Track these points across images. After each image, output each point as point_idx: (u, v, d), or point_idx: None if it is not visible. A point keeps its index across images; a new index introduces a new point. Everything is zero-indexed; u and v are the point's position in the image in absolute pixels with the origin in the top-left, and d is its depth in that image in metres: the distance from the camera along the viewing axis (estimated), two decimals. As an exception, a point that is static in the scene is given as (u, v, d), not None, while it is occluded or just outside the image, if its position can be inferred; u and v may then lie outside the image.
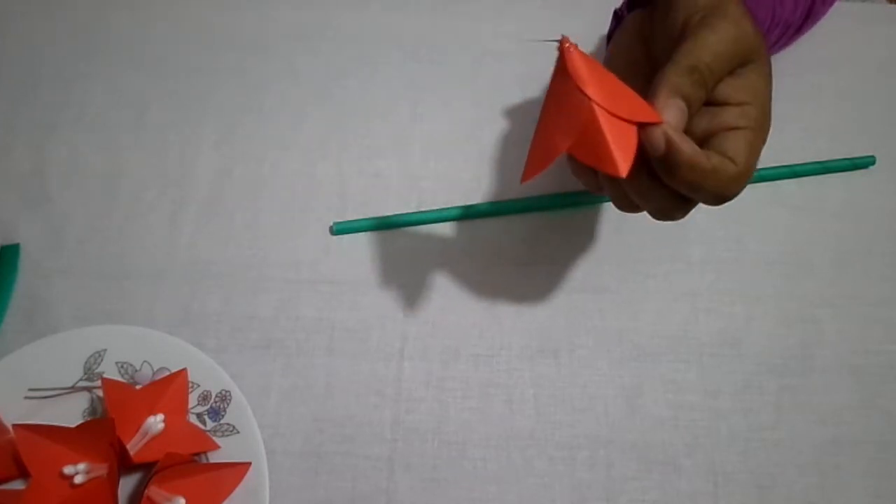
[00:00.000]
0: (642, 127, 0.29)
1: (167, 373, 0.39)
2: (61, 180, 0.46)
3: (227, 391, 0.39)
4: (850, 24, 0.51)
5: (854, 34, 0.51)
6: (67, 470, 0.35)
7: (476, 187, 0.46)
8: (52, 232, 0.45)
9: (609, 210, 0.45)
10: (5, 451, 0.36)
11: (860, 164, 0.46)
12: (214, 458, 0.37)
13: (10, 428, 0.36)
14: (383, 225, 0.39)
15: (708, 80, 0.31)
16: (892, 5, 0.54)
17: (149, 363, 0.39)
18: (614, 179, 0.32)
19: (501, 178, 0.46)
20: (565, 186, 0.45)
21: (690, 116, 0.31)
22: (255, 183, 0.46)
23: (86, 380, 0.39)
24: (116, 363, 0.39)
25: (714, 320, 0.42)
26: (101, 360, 0.39)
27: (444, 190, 0.46)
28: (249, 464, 0.37)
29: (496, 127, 0.48)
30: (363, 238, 0.44)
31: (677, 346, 0.42)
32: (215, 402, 0.38)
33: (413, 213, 0.43)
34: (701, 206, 0.45)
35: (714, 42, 0.31)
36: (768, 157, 0.46)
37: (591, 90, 0.28)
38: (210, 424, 0.38)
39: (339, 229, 0.37)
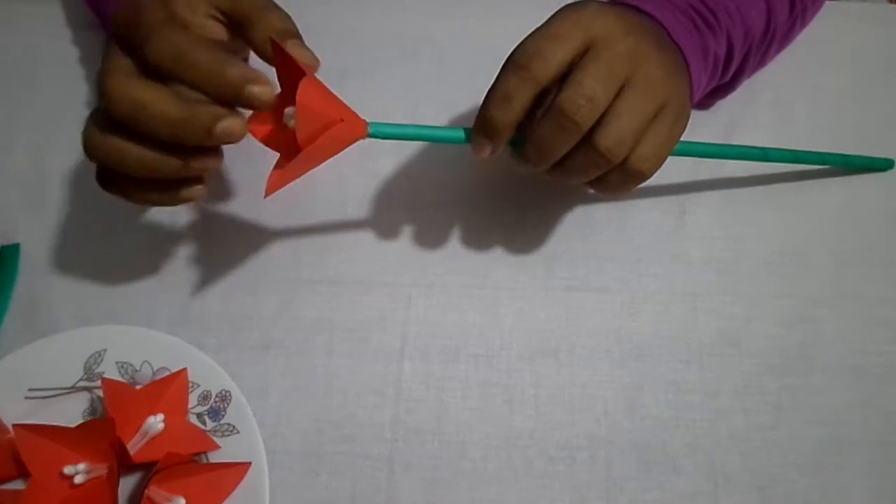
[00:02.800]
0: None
1: (167, 373, 0.39)
2: (61, 180, 0.46)
3: (227, 391, 0.39)
4: (850, 24, 0.51)
5: (854, 34, 0.51)
6: (67, 470, 0.35)
7: (477, 187, 0.46)
8: (52, 232, 0.45)
9: (609, 210, 0.45)
10: (5, 451, 0.36)
11: (878, 164, 0.46)
12: (214, 458, 0.37)
13: (10, 428, 0.36)
14: (416, 136, 0.36)
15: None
16: (892, 5, 0.54)
17: (149, 363, 0.39)
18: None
19: (502, 177, 0.46)
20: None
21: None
22: (254, 183, 0.46)
23: (86, 380, 0.39)
24: (116, 363, 0.39)
25: (714, 320, 0.42)
26: (101, 360, 0.39)
27: (445, 189, 0.46)
28: (249, 464, 0.37)
29: (496, 127, 0.48)
30: (364, 237, 0.44)
31: (677, 346, 0.42)
32: (215, 402, 0.38)
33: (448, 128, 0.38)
34: (702, 207, 0.45)
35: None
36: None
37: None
38: (210, 424, 0.38)
39: (374, 132, 0.35)
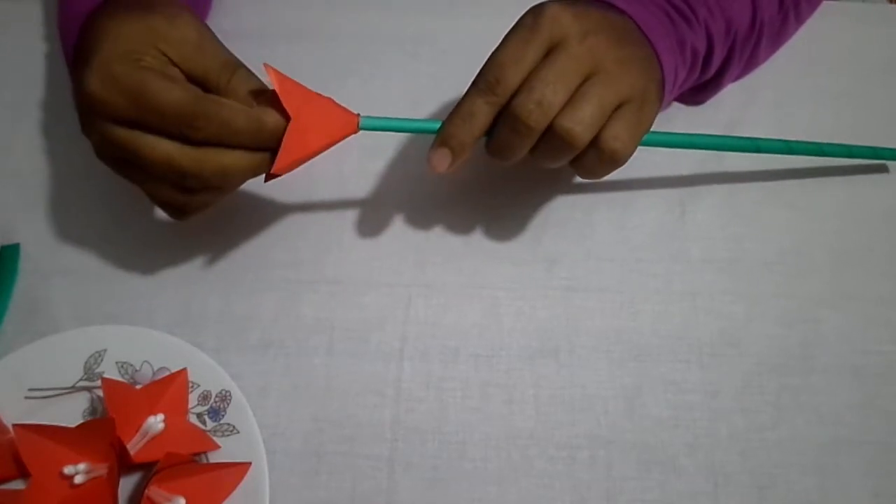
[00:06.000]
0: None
1: (167, 373, 0.39)
2: (61, 180, 0.46)
3: (227, 391, 0.39)
4: (850, 24, 0.51)
5: (854, 34, 0.51)
6: (67, 470, 0.35)
7: (477, 187, 0.46)
8: (52, 232, 0.45)
9: (609, 210, 0.45)
10: (5, 451, 0.36)
11: (883, 155, 0.45)
12: (214, 458, 0.37)
13: (10, 428, 0.36)
14: (408, 128, 0.38)
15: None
16: (892, 5, 0.54)
17: (149, 363, 0.39)
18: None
19: (502, 177, 0.46)
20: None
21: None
22: (254, 183, 0.46)
23: (86, 380, 0.39)
24: (116, 363, 0.39)
25: (714, 320, 0.42)
26: (101, 360, 0.39)
27: (445, 189, 0.46)
28: (249, 464, 0.37)
29: (496, 127, 0.48)
30: (364, 237, 0.44)
31: (677, 346, 0.42)
32: (215, 402, 0.38)
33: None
34: (702, 207, 0.45)
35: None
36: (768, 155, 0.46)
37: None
38: (210, 424, 0.38)
39: (365, 125, 0.37)
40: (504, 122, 0.35)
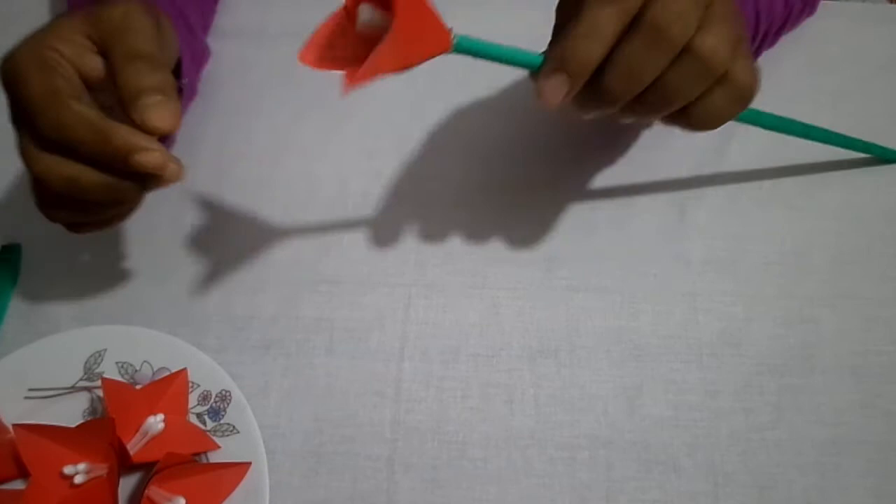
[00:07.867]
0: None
1: (167, 373, 0.39)
2: (61, 180, 0.46)
3: (227, 391, 0.39)
4: (850, 24, 0.51)
5: (854, 34, 0.51)
6: (67, 470, 0.35)
7: (477, 187, 0.46)
8: (52, 232, 0.44)
9: (609, 210, 0.45)
10: (5, 451, 0.36)
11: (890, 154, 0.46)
12: (214, 458, 0.37)
13: (10, 428, 0.36)
14: (507, 57, 0.33)
15: None
16: (892, 5, 0.54)
17: (149, 363, 0.39)
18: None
19: (503, 176, 0.46)
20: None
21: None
22: (254, 183, 0.46)
23: (86, 380, 0.39)
24: (116, 363, 0.39)
25: (714, 320, 0.42)
26: (101, 360, 0.39)
27: (445, 189, 0.46)
28: (249, 464, 0.37)
29: (497, 126, 0.48)
30: (364, 237, 0.44)
31: (677, 346, 0.42)
32: (215, 402, 0.38)
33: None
34: (702, 207, 0.45)
35: None
36: (767, 154, 0.47)
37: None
38: (210, 424, 0.38)
39: (461, 44, 0.32)
40: (635, 37, 0.29)
